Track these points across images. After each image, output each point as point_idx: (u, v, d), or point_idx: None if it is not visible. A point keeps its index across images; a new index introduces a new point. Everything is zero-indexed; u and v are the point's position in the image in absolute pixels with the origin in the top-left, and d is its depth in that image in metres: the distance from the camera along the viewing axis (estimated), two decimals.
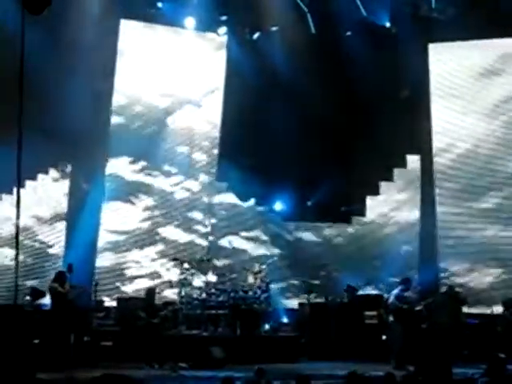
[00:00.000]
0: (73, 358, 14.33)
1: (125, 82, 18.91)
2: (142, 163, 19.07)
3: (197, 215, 19.51)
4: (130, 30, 18.79)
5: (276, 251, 19.56)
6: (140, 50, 18.99)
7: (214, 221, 19.59)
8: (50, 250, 18.18)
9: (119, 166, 18.83)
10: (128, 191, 19.02)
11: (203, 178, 19.66)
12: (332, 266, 19.54)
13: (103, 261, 18.49)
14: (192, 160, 19.59)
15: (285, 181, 19.11)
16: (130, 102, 19.06)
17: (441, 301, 16.38)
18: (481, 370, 10.33)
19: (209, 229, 19.51)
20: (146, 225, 19.06)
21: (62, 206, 18.32)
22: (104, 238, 18.57)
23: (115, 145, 18.81)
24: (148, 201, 19.13)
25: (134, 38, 18.89)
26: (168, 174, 19.30)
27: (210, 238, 19.44)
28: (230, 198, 19.74)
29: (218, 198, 19.70)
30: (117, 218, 18.79)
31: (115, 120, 18.85)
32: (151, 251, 18.99)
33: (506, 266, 18.60)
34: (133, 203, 19.01)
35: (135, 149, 19.07)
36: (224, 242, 19.38)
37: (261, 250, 19.60)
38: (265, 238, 19.83)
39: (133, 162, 18.98)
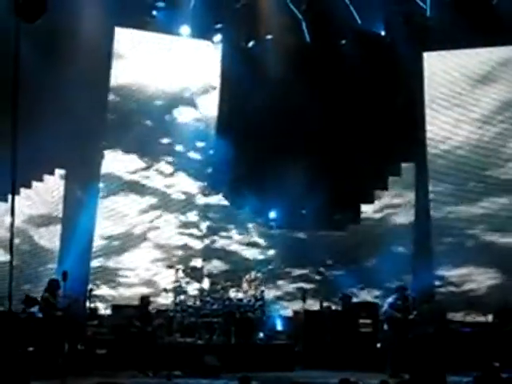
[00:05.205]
0: (66, 366, 14.28)
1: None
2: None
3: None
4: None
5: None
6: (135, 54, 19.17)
7: (208, 223, 19.65)
8: (45, 255, 18.17)
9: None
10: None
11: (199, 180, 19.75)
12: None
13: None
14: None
15: (279, 189, 19.09)
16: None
17: (428, 309, 16.37)
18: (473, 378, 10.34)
19: (204, 231, 19.57)
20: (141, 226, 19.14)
21: (58, 211, 18.33)
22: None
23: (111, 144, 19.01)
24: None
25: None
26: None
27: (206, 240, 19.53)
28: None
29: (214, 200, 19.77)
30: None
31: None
32: (145, 255, 19.06)
33: (502, 273, 18.57)
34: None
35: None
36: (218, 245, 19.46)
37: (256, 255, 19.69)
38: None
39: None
